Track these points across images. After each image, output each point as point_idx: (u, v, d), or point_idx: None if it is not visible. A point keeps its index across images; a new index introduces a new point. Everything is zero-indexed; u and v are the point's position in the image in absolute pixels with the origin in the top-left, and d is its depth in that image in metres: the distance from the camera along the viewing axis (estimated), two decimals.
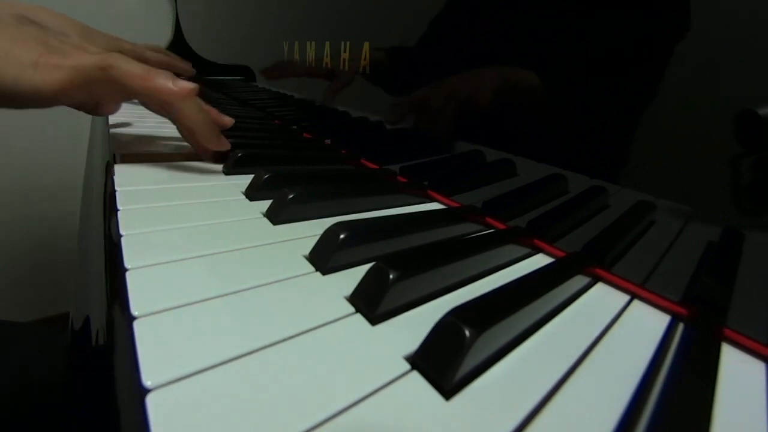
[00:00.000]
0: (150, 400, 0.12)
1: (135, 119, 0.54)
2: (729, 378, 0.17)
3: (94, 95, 0.29)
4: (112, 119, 0.50)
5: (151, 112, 0.36)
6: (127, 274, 0.18)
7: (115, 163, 0.33)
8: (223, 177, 0.34)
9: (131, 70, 0.28)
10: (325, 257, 0.21)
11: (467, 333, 0.14)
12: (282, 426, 0.12)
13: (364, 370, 0.14)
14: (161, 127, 0.51)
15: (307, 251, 0.22)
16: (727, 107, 0.18)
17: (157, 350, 0.14)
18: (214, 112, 0.38)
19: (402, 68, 0.38)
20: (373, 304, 0.17)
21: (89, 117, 0.46)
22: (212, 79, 0.90)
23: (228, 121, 0.39)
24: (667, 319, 0.21)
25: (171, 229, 0.22)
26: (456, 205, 0.34)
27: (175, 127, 0.35)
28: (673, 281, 0.21)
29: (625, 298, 0.22)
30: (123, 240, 0.20)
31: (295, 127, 0.58)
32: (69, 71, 0.27)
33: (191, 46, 0.98)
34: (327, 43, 0.48)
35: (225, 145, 0.34)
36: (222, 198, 0.29)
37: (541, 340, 0.18)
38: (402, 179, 0.38)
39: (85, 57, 0.28)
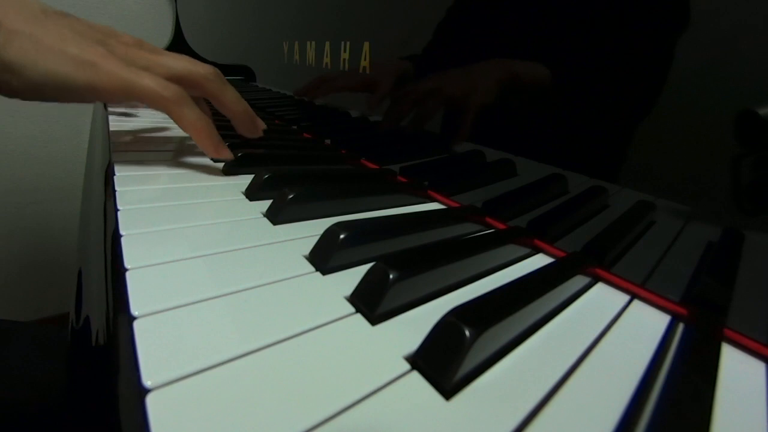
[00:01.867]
0: (150, 400, 0.12)
1: (134, 112, 0.54)
2: (729, 378, 0.17)
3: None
4: (112, 119, 0.50)
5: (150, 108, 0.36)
6: (127, 274, 0.18)
7: (114, 163, 0.33)
8: (223, 177, 0.34)
9: (189, 117, 0.29)
10: (325, 257, 0.21)
11: (467, 333, 0.14)
12: (282, 426, 0.12)
13: (364, 370, 0.14)
14: (161, 123, 0.51)
15: (307, 251, 0.22)
16: (727, 107, 0.18)
17: (157, 350, 0.14)
18: (250, 113, 0.39)
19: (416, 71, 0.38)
20: (373, 304, 0.17)
21: (90, 116, 0.46)
22: None
23: (261, 124, 0.40)
24: (667, 319, 0.21)
25: (171, 229, 0.22)
26: (456, 205, 0.34)
27: (174, 123, 0.35)
28: (673, 281, 0.21)
29: (625, 298, 0.22)
30: (123, 240, 0.20)
31: (295, 127, 0.58)
32: (126, 82, 0.27)
33: (191, 46, 0.98)
34: (327, 43, 0.48)
35: (225, 153, 0.34)
36: (222, 198, 0.29)
37: (541, 340, 0.18)
38: (402, 179, 0.38)
39: (146, 77, 0.28)
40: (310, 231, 0.25)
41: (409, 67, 0.38)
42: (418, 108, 0.38)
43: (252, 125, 0.39)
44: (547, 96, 0.26)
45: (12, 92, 0.27)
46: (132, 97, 0.28)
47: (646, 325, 0.20)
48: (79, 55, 0.26)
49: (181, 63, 0.32)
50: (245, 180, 0.32)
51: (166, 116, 0.31)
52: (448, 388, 0.14)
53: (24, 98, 0.27)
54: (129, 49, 0.31)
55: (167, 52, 0.35)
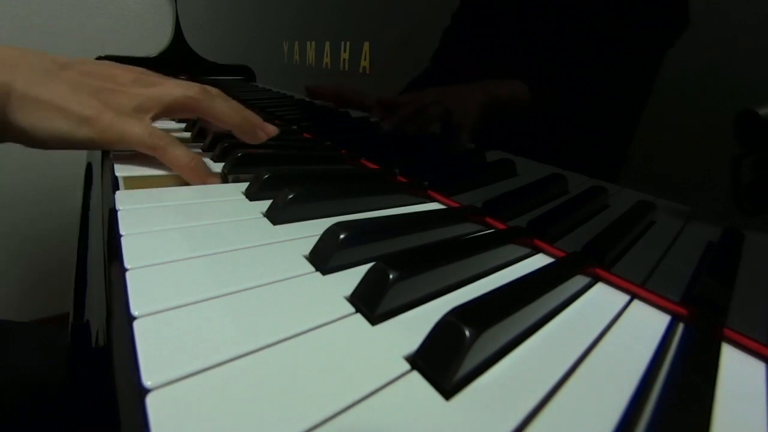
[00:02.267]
0: (150, 400, 0.12)
1: None
2: (729, 378, 0.17)
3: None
4: None
5: None
6: (127, 274, 0.18)
7: (114, 163, 0.33)
8: None
9: (178, 156, 0.32)
10: (325, 257, 0.21)
11: (467, 333, 0.14)
12: (282, 426, 0.12)
13: (364, 370, 0.14)
14: (161, 124, 0.51)
15: (307, 251, 0.22)
16: (727, 107, 0.18)
17: (157, 350, 0.14)
18: (257, 119, 0.41)
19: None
20: (373, 304, 0.17)
21: None
22: (212, 79, 0.90)
23: (270, 129, 0.42)
24: (667, 319, 0.21)
25: (171, 229, 0.22)
26: (456, 205, 0.34)
27: (171, 121, 0.36)
28: (673, 281, 0.21)
29: (625, 298, 0.22)
30: (123, 240, 0.20)
31: (295, 127, 0.58)
32: (119, 133, 0.31)
33: (191, 46, 0.98)
34: (327, 43, 0.48)
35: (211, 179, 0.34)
36: (222, 198, 0.29)
37: (541, 340, 0.18)
38: (402, 179, 0.38)
39: (136, 126, 0.31)
40: (310, 231, 0.25)
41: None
42: (412, 119, 0.39)
43: (252, 133, 0.40)
44: (548, 96, 0.26)
45: (26, 145, 0.32)
46: (124, 145, 0.32)
47: (646, 325, 0.20)
48: (78, 113, 0.30)
49: (169, 91, 0.35)
50: (245, 180, 0.32)
51: (166, 118, 0.33)
52: (448, 388, 0.14)
53: (34, 147, 0.32)
54: (124, 92, 0.34)
55: (160, 81, 0.37)
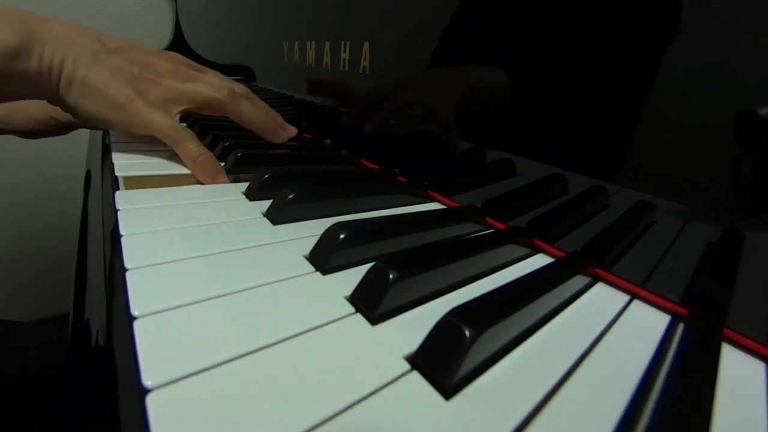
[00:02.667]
0: (150, 400, 0.12)
1: None
2: (729, 378, 0.17)
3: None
4: None
5: None
6: (127, 274, 0.18)
7: (114, 163, 0.33)
8: None
9: (189, 150, 0.33)
10: (325, 257, 0.21)
11: (467, 333, 0.14)
12: (282, 426, 0.12)
13: (364, 370, 0.14)
14: None
15: (307, 251, 0.22)
16: (727, 107, 0.18)
17: (157, 350, 0.14)
18: (280, 119, 0.43)
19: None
20: (373, 304, 0.17)
21: None
22: None
23: (291, 130, 0.44)
24: (667, 319, 0.21)
25: (171, 229, 0.22)
26: (456, 205, 0.34)
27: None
28: (673, 281, 0.21)
29: (625, 298, 0.22)
30: (123, 240, 0.20)
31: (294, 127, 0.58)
32: (146, 121, 0.34)
33: (191, 46, 0.98)
34: (327, 43, 0.48)
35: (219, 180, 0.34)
36: (222, 198, 0.29)
37: (541, 340, 0.18)
38: (402, 179, 0.38)
39: (162, 117, 0.34)
40: (310, 231, 0.25)
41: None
42: (394, 115, 0.40)
43: (275, 133, 0.42)
44: (547, 96, 0.26)
45: (78, 120, 0.36)
46: (149, 132, 0.34)
47: (646, 325, 0.20)
48: (114, 98, 0.33)
49: (201, 90, 0.37)
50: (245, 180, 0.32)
51: (194, 113, 0.36)
52: (448, 388, 0.14)
53: (82, 126, 0.38)
54: (159, 83, 0.36)
55: (197, 76, 0.39)
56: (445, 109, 0.34)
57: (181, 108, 0.37)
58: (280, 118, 0.43)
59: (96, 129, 0.36)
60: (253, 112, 0.40)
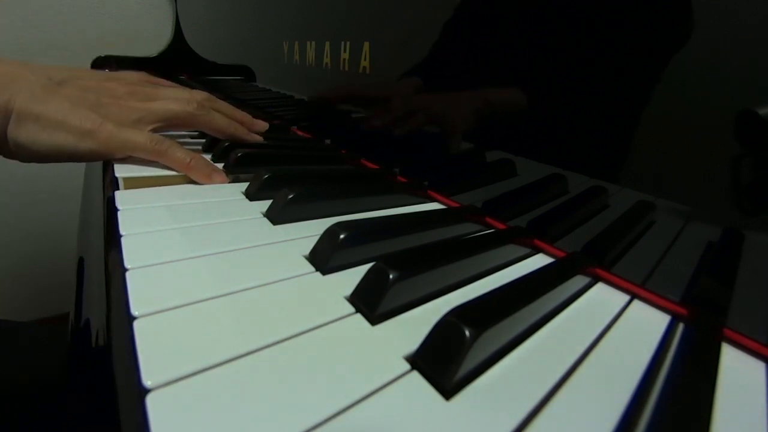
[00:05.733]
0: (150, 400, 0.12)
1: None
2: (729, 378, 0.17)
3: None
4: None
5: None
6: (127, 274, 0.18)
7: (114, 163, 0.33)
8: None
9: (179, 158, 0.33)
10: (325, 257, 0.21)
11: (467, 333, 0.14)
12: (282, 426, 0.12)
13: (364, 370, 0.14)
14: None
15: (307, 251, 0.22)
16: (727, 107, 0.18)
17: (157, 350, 0.14)
18: (247, 117, 0.43)
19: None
20: (373, 304, 0.17)
21: None
22: (212, 79, 0.90)
23: (261, 126, 0.44)
24: (667, 319, 0.21)
25: (171, 229, 0.22)
26: (456, 205, 0.34)
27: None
28: (673, 281, 0.21)
29: (625, 298, 0.22)
30: (123, 240, 0.20)
31: (295, 127, 0.58)
32: (121, 142, 0.32)
33: (191, 46, 0.98)
34: (327, 43, 0.48)
35: (217, 179, 0.34)
36: (222, 198, 0.29)
37: (541, 340, 0.18)
38: (402, 179, 0.38)
39: (137, 134, 0.33)
40: (310, 231, 0.25)
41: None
42: (405, 120, 0.40)
43: (247, 135, 0.42)
44: (548, 97, 0.26)
45: (23, 161, 0.33)
46: (127, 153, 0.33)
47: (646, 325, 0.20)
48: (79, 127, 0.31)
49: (168, 107, 0.36)
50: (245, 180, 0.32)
51: (164, 131, 0.34)
52: (448, 388, 0.14)
53: (32, 162, 0.33)
54: (122, 105, 0.35)
55: (156, 93, 0.38)
56: (463, 123, 0.34)
57: (152, 127, 0.35)
58: (247, 117, 0.43)
59: (54, 162, 0.33)
60: (224, 121, 0.40)
